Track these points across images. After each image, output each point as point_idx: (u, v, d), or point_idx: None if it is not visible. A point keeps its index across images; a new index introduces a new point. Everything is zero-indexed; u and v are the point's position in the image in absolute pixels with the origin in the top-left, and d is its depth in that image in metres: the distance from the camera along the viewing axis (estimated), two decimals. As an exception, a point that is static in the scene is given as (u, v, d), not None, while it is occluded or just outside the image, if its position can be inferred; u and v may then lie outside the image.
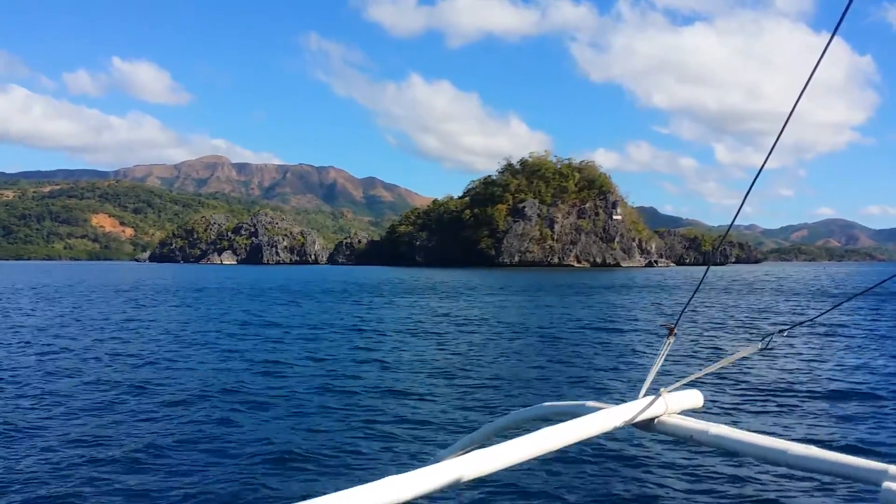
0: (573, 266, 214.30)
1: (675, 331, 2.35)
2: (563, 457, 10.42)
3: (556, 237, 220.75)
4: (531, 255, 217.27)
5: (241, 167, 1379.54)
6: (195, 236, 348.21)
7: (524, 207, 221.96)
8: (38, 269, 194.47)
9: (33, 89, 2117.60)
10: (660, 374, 2.25)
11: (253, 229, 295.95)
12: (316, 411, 14.58)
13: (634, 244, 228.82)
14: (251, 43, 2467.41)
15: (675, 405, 2.15)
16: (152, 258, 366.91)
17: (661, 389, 2.15)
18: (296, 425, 13.35)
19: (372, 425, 13.25)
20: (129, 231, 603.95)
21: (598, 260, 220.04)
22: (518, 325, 33.16)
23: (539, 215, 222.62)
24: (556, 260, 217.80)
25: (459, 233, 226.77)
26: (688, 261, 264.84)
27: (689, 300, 2.67)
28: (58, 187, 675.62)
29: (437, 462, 1.73)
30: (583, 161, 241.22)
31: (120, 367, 20.61)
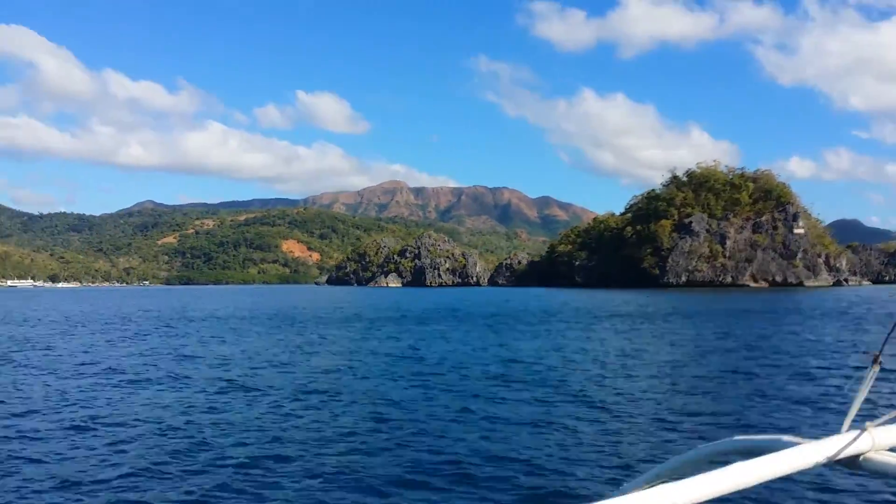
0: (748, 286, 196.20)
1: (881, 359, 2.09)
2: (756, 495, 9.83)
3: (728, 254, 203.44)
4: (700, 274, 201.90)
5: (419, 191, 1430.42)
6: (367, 259, 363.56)
7: (691, 223, 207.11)
8: (246, 293, 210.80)
9: (229, 124, 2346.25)
10: (864, 406, 2.03)
11: (416, 252, 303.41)
12: (508, 433, 14.84)
13: (820, 260, 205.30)
14: (423, 71, 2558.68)
15: (884, 441, 1.92)
16: (329, 281, 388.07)
17: (867, 423, 1.94)
18: (480, 448, 13.57)
19: (558, 452, 13.35)
20: (315, 255, 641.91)
21: (778, 279, 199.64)
22: (699, 351, 31.65)
23: (708, 231, 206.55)
24: (728, 279, 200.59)
25: (620, 251, 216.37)
26: (887, 278, 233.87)
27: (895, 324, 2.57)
28: (252, 215, 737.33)
29: (623, 494, 1.63)
30: (758, 170, 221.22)
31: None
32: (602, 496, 1.61)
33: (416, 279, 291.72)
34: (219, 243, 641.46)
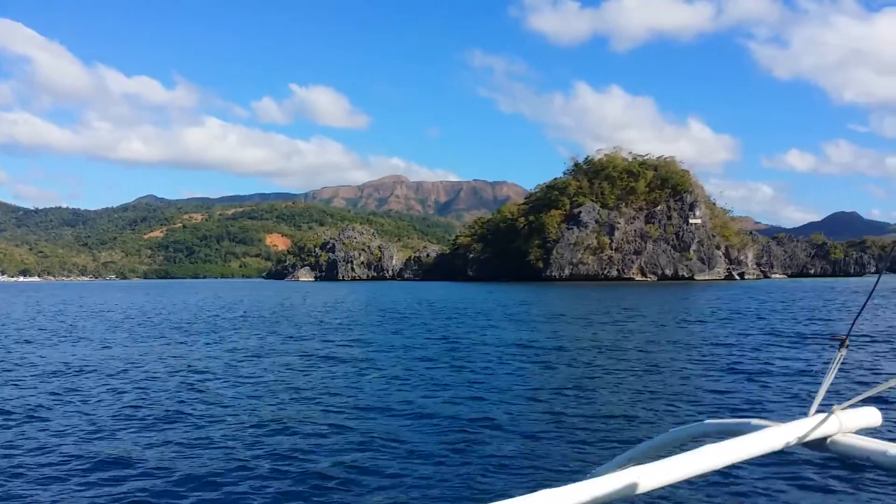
0: (634, 280, 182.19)
1: (848, 342, 2.12)
2: (724, 477, 9.94)
3: (615, 246, 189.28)
4: (584, 267, 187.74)
5: (418, 185, 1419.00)
6: (305, 253, 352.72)
7: (580, 213, 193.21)
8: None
9: (227, 119, 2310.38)
10: (831, 390, 2.04)
11: (332, 245, 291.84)
12: (476, 423, 14.34)
13: (719, 253, 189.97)
14: (420, 65, 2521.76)
15: (850, 423, 1.93)
16: (269, 275, 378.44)
17: (834, 406, 1.94)
18: (456, 440, 13.08)
19: (526, 439, 13.03)
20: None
21: (668, 272, 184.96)
22: (656, 341, 30.59)
23: (597, 221, 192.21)
24: (614, 273, 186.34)
25: (513, 243, 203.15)
26: (812, 272, 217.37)
27: (862, 309, 2.43)
28: (241, 210, 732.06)
29: (596, 476, 1.63)
30: (661, 157, 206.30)
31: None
32: (574, 480, 1.60)
33: (329, 273, 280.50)
34: (202, 237, 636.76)
